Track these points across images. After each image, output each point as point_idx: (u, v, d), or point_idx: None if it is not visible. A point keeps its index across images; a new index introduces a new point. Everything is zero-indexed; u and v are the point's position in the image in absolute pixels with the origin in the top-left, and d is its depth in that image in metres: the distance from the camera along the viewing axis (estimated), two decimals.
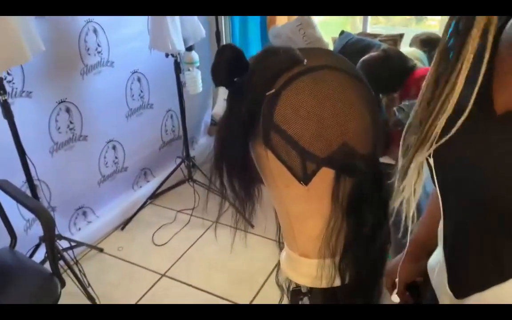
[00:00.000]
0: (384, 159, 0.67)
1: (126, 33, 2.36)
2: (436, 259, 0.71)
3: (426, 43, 2.10)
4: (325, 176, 0.56)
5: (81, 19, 2.11)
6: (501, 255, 0.55)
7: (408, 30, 2.59)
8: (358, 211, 0.58)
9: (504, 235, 0.54)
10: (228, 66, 0.55)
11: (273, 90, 0.55)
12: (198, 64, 2.33)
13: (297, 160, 0.55)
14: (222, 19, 3.00)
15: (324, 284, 0.62)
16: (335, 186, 0.57)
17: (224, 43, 3.06)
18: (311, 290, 0.70)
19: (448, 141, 0.54)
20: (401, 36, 2.45)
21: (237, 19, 2.95)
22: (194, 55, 2.28)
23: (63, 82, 2.12)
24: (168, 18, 2.05)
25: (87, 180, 2.40)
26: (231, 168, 0.60)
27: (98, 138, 2.39)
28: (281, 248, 0.74)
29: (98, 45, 2.24)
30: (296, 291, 0.71)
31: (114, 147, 2.51)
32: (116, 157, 2.55)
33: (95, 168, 2.43)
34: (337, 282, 0.62)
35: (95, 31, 2.20)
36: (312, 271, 0.64)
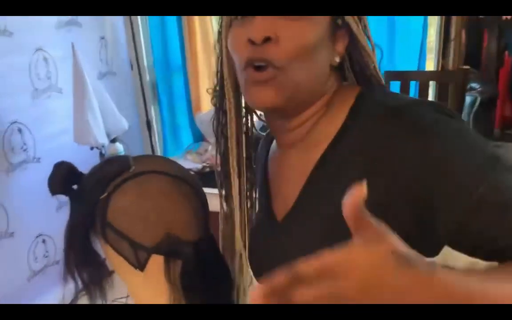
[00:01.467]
0: None
1: (52, 130, 2.45)
2: None
3: None
4: (157, 261, 0.68)
5: (5, 121, 2.20)
6: None
7: None
8: (191, 287, 0.69)
9: None
10: (62, 178, 0.66)
11: (105, 194, 0.67)
12: (122, 153, 2.44)
13: (130, 251, 0.67)
14: (152, 108, 3.16)
15: None
16: (166, 269, 0.68)
17: (156, 130, 3.22)
18: None
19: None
20: None
21: (165, 107, 3.12)
22: (118, 146, 2.40)
23: None
24: (89, 114, 2.18)
25: (16, 277, 2.37)
26: (79, 263, 0.70)
27: (26, 234, 2.39)
28: None
29: (24, 143, 2.31)
30: None
31: (44, 241, 2.51)
32: (46, 251, 2.54)
33: (24, 264, 2.41)
34: None
35: (19, 130, 2.28)
36: None
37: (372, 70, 0.67)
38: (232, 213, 0.76)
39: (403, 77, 2.32)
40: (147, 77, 3.04)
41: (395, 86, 2.37)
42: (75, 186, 0.69)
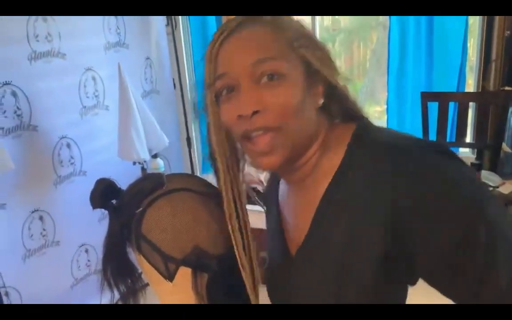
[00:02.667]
0: None
1: (98, 145, 2.59)
2: None
3: None
4: (185, 273, 0.72)
5: (55, 136, 2.35)
6: None
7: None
8: (216, 300, 0.73)
9: None
10: (100, 193, 0.72)
11: (140, 209, 0.73)
12: (163, 169, 2.54)
13: (161, 262, 0.72)
14: (192, 125, 3.27)
15: None
16: (193, 281, 0.72)
17: (195, 147, 3.32)
18: None
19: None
20: None
21: (205, 125, 3.20)
22: (159, 161, 2.50)
23: (37, 193, 2.30)
24: (133, 131, 2.29)
25: (60, 284, 2.49)
26: (114, 271, 0.76)
27: (71, 243, 2.52)
28: None
29: (71, 157, 2.45)
30: None
31: (86, 251, 2.63)
32: (88, 260, 2.66)
33: (67, 272, 2.53)
34: None
35: (68, 145, 2.43)
36: None
37: (349, 104, 0.72)
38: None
39: (442, 98, 2.29)
40: (188, 96, 3.16)
41: (433, 107, 2.35)
42: (114, 201, 0.75)
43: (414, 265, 0.61)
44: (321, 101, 0.70)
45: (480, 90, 2.32)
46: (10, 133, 2.13)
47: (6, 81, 2.09)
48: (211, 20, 2.89)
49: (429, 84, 2.40)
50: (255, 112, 0.63)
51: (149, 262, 0.72)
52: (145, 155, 2.35)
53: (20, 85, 2.15)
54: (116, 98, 2.47)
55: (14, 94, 2.13)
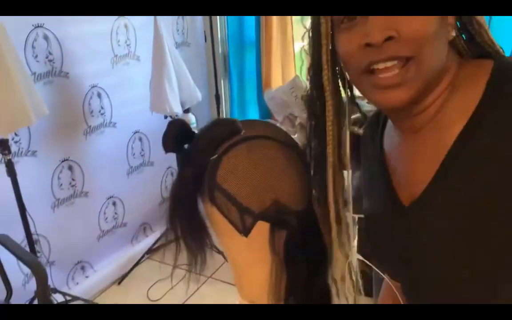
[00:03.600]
0: None
1: (128, 97, 2.52)
2: None
3: None
4: (262, 229, 0.65)
5: (86, 84, 2.28)
6: None
7: None
8: (294, 259, 0.66)
9: None
10: (175, 136, 0.65)
11: (215, 155, 0.65)
12: (195, 125, 2.46)
13: (236, 215, 0.64)
14: (222, 82, 3.17)
15: None
16: (271, 237, 0.65)
17: (223, 105, 3.24)
18: None
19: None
20: None
21: (235, 82, 3.12)
22: (191, 116, 2.43)
23: (67, 142, 2.26)
24: (166, 83, 2.21)
25: (87, 235, 2.48)
26: (183, 224, 0.69)
27: (99, 195, 2.50)
28: None
29: (102, 107, 2.39)
30: None
31: (114, 203, 2.61)
32: (116, 213, 2.64)
33: (95, 223, 2.52)
34: None
35: (99, 95, 2.37)
36: None
37: (484, 36, 0.62)
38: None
39: None
40: (219, 50, 3.05)
41: None
42: (186, 145, 0.67)
43: None
44: (454, 32, 0.60)
45: None
46: (42, 79, 2.07)
47: (38, 24, 2.01)
48: None
49: None
50: (387, 39, 0.55)
51: (223, 215, 0.65)
52: (178, 109, 2.28)
53: (52, 28, 2.07)
54: (147, 49, 2.38)
55: (46, 37, 2.06)
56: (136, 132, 2.63)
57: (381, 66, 0.57)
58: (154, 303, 2.41)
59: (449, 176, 0.59)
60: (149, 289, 2.53)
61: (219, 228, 0.68)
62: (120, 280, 2.61)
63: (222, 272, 2.49)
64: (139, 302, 2.43)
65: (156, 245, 2.76)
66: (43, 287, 1.53)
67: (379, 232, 0.74)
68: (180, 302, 2.40)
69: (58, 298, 2.11)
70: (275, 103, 2.82)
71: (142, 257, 2.72)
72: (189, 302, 2.41)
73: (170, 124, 0.66)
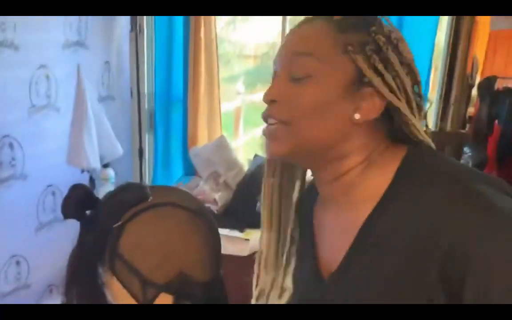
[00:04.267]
0: None
1: (44, 148, 2.38)
2: None
3: None
4: (165, 300, 0.63)
5: None
6: None
7: None
8: None
9: None
10: (76, 201, 0.62)
11: (119, 223, 0.63)
12: (113, 181, 2.38)
13: (138, 287, 0.62)
14: (146, 136, 3.13)
15: None
16: None
17: (147, 159, 3.18)
18: None
19: None
20: None
21: (160, 137, 3.09)
22: (110, 171, 2.35)
23: None
24: (85, 135, 2.13)
25: None
26: (81, 293, 0.65)
27: (0, 253, 2.28)
28: None
29: (13, 158, 2.24)
30: None
31: (17, 262, 2.39)
32: (18, 273, 2.42)
33: None
34: None
35: (10, 145, 2.22)
36: None
37: (412, 129, 0.66)
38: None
39: None
40: (145, 105, 3.03)
41: None
42: (88, 212, 0.64)
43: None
44: (359, 116, 0.64)
45: (437, 130, 2.41)
46: None
47: None
48: (179, 28, 2.79)
49: None
50: (272, 101, 0.67)
51: (124, 286, 0.62)
52: (96, 163, 2.19)
53: None
54: (69, 100, 2.30)
55: None
56: (49, 185, 2.48)
57: (268, 120, 0.69)
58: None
59: (360, 254, 0.63)
60: None
61: (119, 299, 0.65)
62: None
63: None
64: None
65: None
66: None
67: (302, 295, 0.77)
68: None
69: None
70: (200, 160, 2.82)
71: None
72: None
73: (71, 188, 0.63)
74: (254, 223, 2.24)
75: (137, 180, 3.19)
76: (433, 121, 2.44)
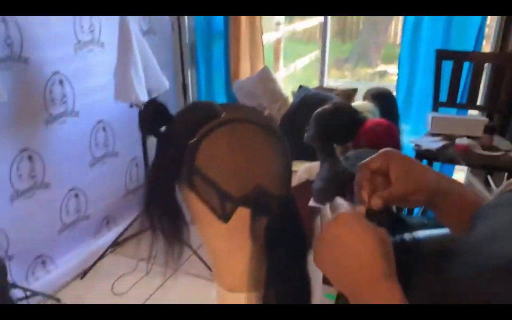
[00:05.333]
0: None
1: (91, 85, 2.43)
2: None
3: (376, 96, 2.25)
4: (243, 215, 0.63)
5: (47, 71, 2.18)
6: None
7: (363, 85, 2.76)
8: (274, 246, 0.65)
9: None
10: (152, 118, 0.62)
11: (195, 139, 0.62)
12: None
13: (216, 201, 0.62)
14: (189, 71, 3.12)
15: None
16: (252, 223, 0.63)
17: (191, 94, 3.18)
18: None
19: None
20: (355, 91, 2.61)
21: (202, 72, 3.07)
22: None
23: (26, 131, 2.15)
24: (132, 70, 2.14)
25: (47, 228, 2.38)
26: (160, 211, 0.66)
27: (60, 186, 2.40)
28: None
29: (64, 95, 2.29)
30: None
31: (76, 195, 2.52)
32: (78, 205, 2.55)
33: (56, 216, 2.42)
34: None
35: (61, 82, 2.26)
36: None
37: None
38: None
39: (457, 57, 2.22)
40: (186, 40, 2.99)
41: (447, 66, 2.27)
42: (163, 128, 0.64)
43: None
44: None
45: (498, 51, 2.25)
46: None
47: None
48: None
49: (445, 42, 2.31)
50: None
51: (202, 201, 0.63)
52: (144, 97, 2.21)
53: None
54: (112, 36, 2.30)
55: (4, 21, 1.94)
56: (99, 121, 2.55)
57: None
58: (121, 298, 2.35)
59: None
60: (113, 283, 2.46)
61: (197, 214, 0.66)
62: (83, 274, 2.53)
63: (188, 265, 2.45)
64: (103, 296, 2.36)
65: (121, 239, 2.68)
66: (2, 282, 1.45)
67: None
68: (146, 296, 2.36)
69: (17, 294, 2.01)
70: (244, 93, 2.80)
71: (106, 251, 2.64)
72: (154, 296, 2.36)
73: (146, 105, 0.62)
74: (300, 155, 2.29)
75: None
76: (492, 43, 2.28)
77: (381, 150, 0.69)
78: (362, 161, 0.68)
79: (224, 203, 0.62)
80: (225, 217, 0.63)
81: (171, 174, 0.64)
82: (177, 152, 0.63)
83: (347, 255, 0.56)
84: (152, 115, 0.62)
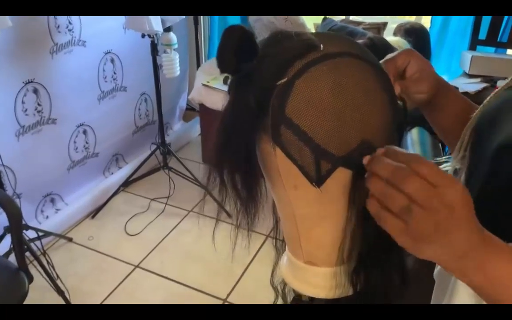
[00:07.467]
0: None
1: None
2: None
3: (410, 32, 2.07)
4: (341, 177, 0.50)
5: None
6: None
7: (391, 19, 2.56)
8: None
9: None
10: (236, 50, 0.47)
11: (285, 79, 0.48)
12: (176, 46, 2.22)
13: (310, 159, 0.49)
14: None
15: (336, 294, 0.56)
16: (352, 189, 0.51)
17: (202, 25, 2.96)
18: (312, 299, 0.64)
19: None
20: (384, 24, 2.42)
21: None
22: (173, 36, 2.17)
23: (31, 61, 1.98)
24: None
25: (56, 165, 2.27)
26: (234, 164, 0.53)
27: (68, 122, 2.26)
28: (277, 249, 0.68)
29: (69, 22, 2.10)
30: (296, 300, 0.65)
31: (85, 132, 2.38)
32: (87, 142, 2.42)
33: (64, 153, 2.30)
34: (350, 292, 0.56)
35: None
36: (319, 281, 0.57)
37: None
38: None
39: None
40: None
41: None
42: (246, 64, 0.49)
43: None
44: None
45: None
46: None
47: None
48: None
49: None
50: None
51: (290, 158, 0.49)
52: (158, 27, 2.02)
53: None
54: None
55: None
56: (107, 52, 2.36)
57: None
58: (134, 238, 2.28)
59: None
60: (126, 223, 2.39)
61: (280, 174, 0.52)
62: (94, 213, 2.44)
63: (201, 206, 2.37)
64: (116, 235, 2.29)
65: (133, 178, 2.58)
66: (17, 227, 1.35)
67: None
68: (160, 237, 2.28)
69: (29, 234, 1.92)
70: (262, 24, 2.60)
71: (117, 190, 2.54)
72: (169, 237, 2.29)
73: (228, 31, 0.47)
74: None
75: (193, 47, 3.02)
76: None
77: (403, 49, 0.69)
78: (387, 57, 0.67)
79: (320, 163, 0.49)
80: (319, 180, 0.50)
81: (253, 121, 0.50)
82: (261, 94, 0.49)
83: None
84: (238, 45, 0.47)
